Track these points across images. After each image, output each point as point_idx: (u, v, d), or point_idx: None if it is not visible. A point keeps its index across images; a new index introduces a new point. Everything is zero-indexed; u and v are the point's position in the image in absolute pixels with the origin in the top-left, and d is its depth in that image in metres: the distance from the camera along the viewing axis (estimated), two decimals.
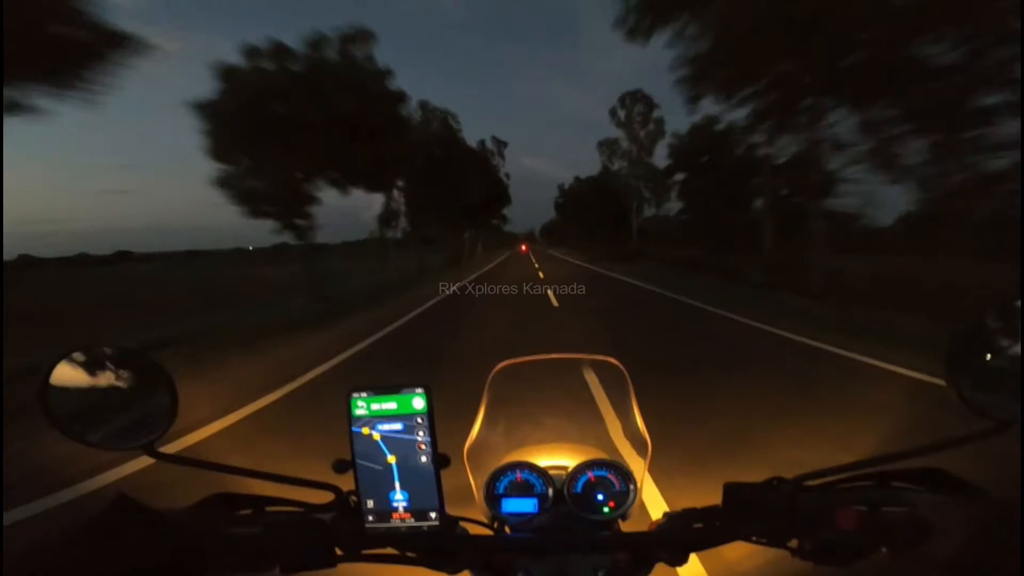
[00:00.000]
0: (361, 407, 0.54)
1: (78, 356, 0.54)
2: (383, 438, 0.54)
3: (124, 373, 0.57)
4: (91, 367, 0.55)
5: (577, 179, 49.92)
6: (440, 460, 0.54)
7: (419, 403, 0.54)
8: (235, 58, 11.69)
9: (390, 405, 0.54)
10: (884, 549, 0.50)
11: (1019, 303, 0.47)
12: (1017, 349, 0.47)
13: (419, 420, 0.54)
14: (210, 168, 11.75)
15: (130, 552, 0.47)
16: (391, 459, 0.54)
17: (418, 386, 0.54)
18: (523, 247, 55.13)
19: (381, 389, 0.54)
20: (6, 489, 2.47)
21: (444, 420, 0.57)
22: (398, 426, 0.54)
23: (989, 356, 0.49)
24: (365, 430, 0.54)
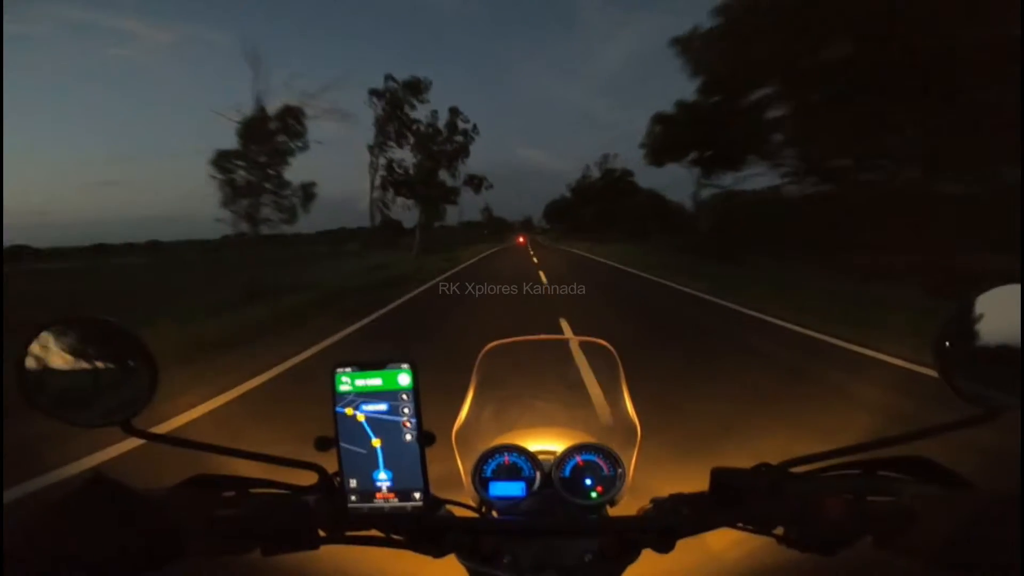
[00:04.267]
0: (345, 383, 0.53)
1: (56, 330, 0.53)
2: (367, 419, 0.53)
3: (103, 347, 0.55)
4: (69, 341, 0.53)
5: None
6: (425, 438, 0.53)
7: (405, 379, 0.52)
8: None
9: (375, 381, 0.53)
10: (869, 538, 0.50)
11: (1014, 286, 0.46)
12: (1010, 334, 0.46)
13: (404, 397, 0.53)
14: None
15: (107, 532, 0.45)
16: (375, 442, 0.53)
17: (404, 362, 0.53)
18: (520, 239, 46.74)
19: (366, 365, 0.53)
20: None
21: None
22: (383, 406, 0.53)
23: (978, 341, 0.48)
24: (349, 410, 0.53)
